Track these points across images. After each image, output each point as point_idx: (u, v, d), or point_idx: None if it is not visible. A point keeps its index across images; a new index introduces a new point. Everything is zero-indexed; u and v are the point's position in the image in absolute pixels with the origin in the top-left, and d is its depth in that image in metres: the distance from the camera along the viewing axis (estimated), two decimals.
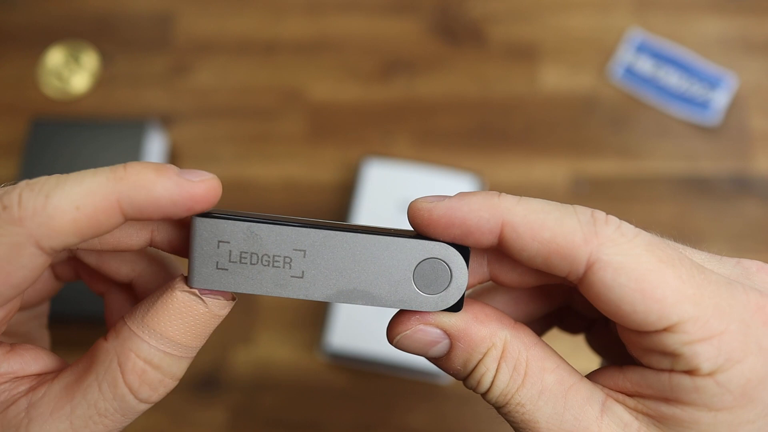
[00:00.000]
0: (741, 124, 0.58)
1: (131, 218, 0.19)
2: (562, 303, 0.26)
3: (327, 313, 0.51)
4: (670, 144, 0.58)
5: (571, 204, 0.21)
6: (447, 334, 0.21)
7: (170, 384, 0.21)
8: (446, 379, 0.50)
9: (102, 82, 0.61)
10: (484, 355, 0.21)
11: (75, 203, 0.18)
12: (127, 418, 0.21)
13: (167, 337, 0.20)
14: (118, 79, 0.61)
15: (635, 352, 0.21)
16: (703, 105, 0.58)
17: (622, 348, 0.22)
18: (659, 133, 0.58)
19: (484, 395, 0.21)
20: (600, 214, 0.20)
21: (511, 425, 0.21)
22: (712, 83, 0.59)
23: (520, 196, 0.20)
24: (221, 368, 0.52)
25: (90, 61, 0.62)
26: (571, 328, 0.28)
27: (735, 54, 0.60)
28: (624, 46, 0.61)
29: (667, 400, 0.20)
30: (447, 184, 0.54)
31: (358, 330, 0.50)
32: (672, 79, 0.59)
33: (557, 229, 0.19)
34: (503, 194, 0.20)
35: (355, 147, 0.58)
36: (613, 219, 0.20)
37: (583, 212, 0.20)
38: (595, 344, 0.28)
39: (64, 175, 0.19)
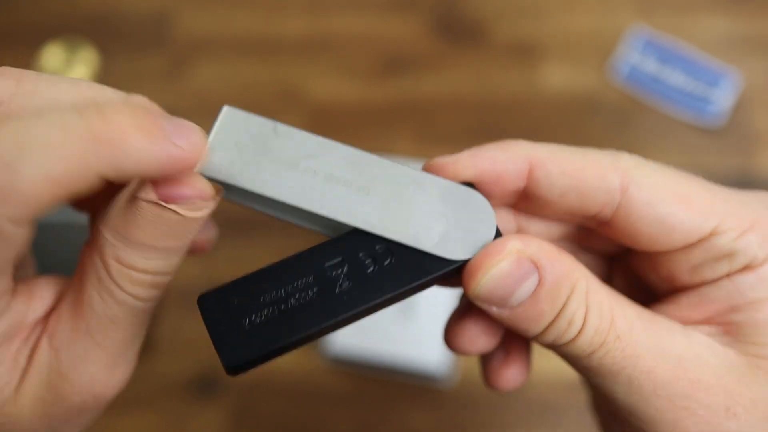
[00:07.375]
0: (745, 124, 0.58)
1: (113, 180, 0.17)
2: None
3: None
4: (673, 143, 0.57)
5: None
6: (535, 263, 0.19)
7: (164, 279, 0.20)
8: (448, 383, 0.50)
9: (100, 79, 0.61)
10: (573, 289, 0.19)
11: (47, 175, 0.16)
12: (140, 318, 0.20)
13: (143, 243, 0.18)
14: (117, 77, 0.61)
15: (684, 275, 0.21)
16: (707, 104, 0.58)
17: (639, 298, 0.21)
18: (663, 133, 0.58)
19: (572, 341, 0.19)
20: (615, 150, 0.21)
21: (598, 376, 0.20)
22: (716, 82, 0.58)
23: None
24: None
25: (88, 58, 0.62)
26: None
27: (739, 52, 0.60)
28: (627, 46, 0.60)
29: (733, 308, 0.20)
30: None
31: (360, 333, 0.49)
32: (676, 78, 0.59)
33: (584, 161, 0.21)
34: (519, 140, 0.22)
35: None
36: (626, 152, 0.21)
37: (600, 150, 0.21)
38: None
39: (22, 134, 0.16)
